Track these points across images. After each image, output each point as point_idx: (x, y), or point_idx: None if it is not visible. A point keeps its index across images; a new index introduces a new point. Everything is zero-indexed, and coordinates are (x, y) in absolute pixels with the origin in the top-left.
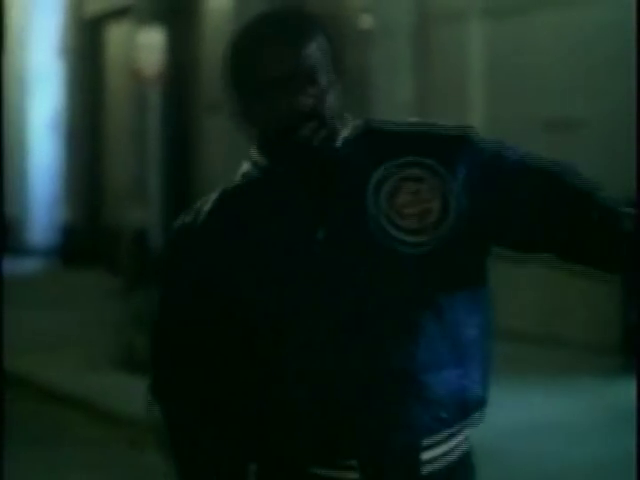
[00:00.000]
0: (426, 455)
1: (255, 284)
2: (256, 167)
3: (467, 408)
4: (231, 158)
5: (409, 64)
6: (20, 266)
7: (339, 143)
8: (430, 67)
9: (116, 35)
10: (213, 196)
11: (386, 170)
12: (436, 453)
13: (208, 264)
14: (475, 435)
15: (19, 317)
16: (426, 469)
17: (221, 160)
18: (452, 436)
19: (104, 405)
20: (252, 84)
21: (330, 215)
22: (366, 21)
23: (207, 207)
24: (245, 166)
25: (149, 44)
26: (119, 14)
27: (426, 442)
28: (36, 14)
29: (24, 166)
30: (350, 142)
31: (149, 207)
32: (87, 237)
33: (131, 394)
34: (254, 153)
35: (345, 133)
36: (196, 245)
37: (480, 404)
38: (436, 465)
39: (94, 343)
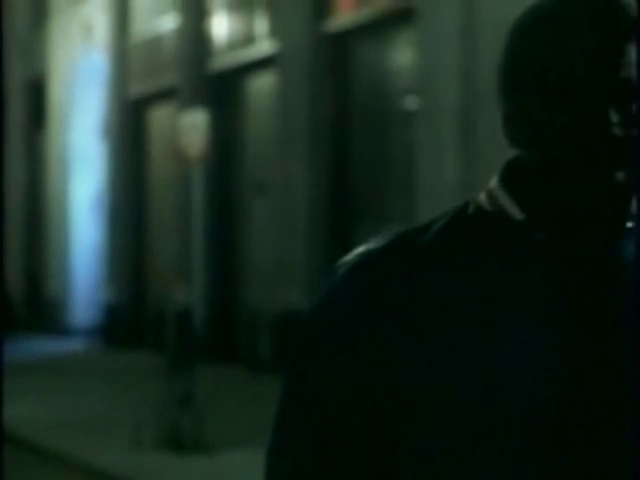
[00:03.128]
0: None
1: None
2: (497, 212)
3: None
4: (274, 238)
5: (455, 143)
6: (63, 346)
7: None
8: (475, 146)
9: (159, 116)
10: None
11: None
12: None
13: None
14: None
15: (63, 397)
16: None
17: (264, 240)
18: None
19: None
20: (552, 81)
21: (595, 336)
22: (412, 102)
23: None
24: (479, 199)
25: (192, 125)
26: (162, 95)
27: None
28: (79, 95)
29: (67, 246)
30: None
31: (193, 286)
32: (131, 317)
33: (176, 474)
34: (498, 188)
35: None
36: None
37: None
38: None
39: (139, 423)
